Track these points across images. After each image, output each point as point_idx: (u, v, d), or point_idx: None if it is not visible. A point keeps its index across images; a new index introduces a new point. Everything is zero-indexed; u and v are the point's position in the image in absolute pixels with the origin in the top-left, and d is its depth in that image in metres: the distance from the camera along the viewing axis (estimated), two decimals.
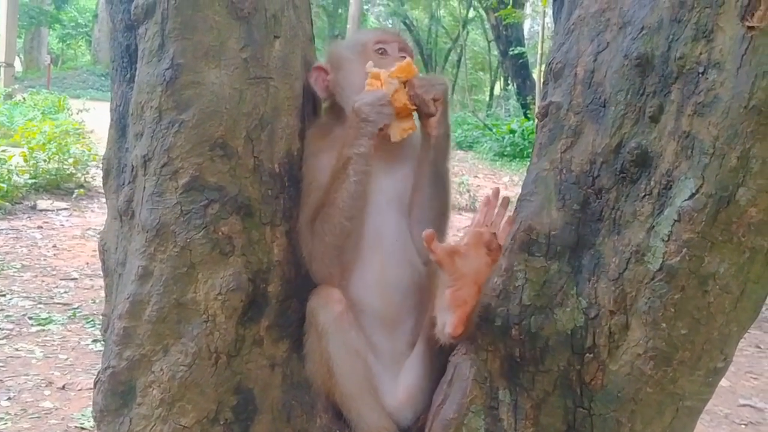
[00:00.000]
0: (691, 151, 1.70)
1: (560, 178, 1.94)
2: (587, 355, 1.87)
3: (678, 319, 1.75)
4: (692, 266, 1.71)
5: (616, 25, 1.92)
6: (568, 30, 2.04)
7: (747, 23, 1.62)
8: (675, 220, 1.71)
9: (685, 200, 1.69)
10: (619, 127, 1.85)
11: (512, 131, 20.83)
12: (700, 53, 1.70)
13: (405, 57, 2.42)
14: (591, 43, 1.96)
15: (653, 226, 1.76)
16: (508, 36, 25.02)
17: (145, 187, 2.10)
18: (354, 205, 2.21)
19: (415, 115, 2.33)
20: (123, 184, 2.25)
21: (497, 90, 36.75)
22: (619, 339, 1.83)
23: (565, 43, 2.04)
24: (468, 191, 12.21)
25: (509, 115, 26.13)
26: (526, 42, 26.96)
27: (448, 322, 1.95)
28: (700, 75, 1.70)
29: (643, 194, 1.79)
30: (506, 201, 2.14)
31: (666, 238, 1.73)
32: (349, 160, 2.19)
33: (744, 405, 5.26)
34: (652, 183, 1.77)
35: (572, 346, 1.89)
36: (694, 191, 1.68)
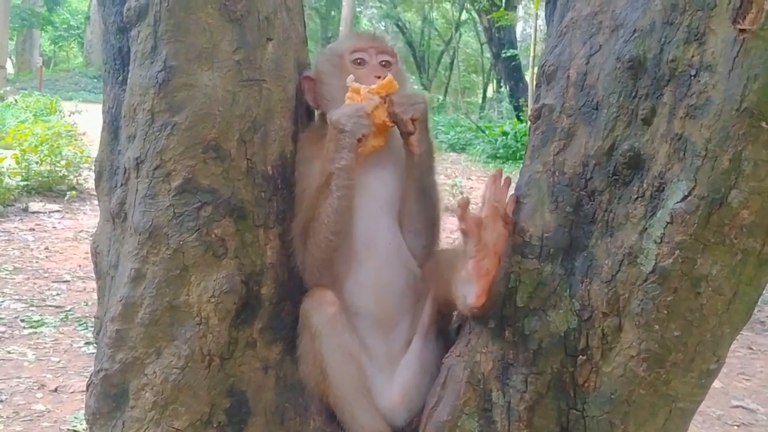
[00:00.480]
0: (684, 154, 1.70)
1: (553, 181, 1.95)
2: (580, 356, 1.88)
3: (671, 320, 1.75)
4: (685, 268, 1.71)
5: (608, 28, 1.93)
6: (561, 33, 2.05)
7: (739, 26, 1.63)
8: (667, 222, 1.71)
9: (678, 202, 1.70)
10: (612, 130, 1.85)
11: (505, 133, 20.83)
12: (692, 56, 1.71)
13: (385, 62, 2.42)
14: (583, 46, 1.96)
15: (646, 228, 1.76)
16: (500, 38, 25.03)
17: (137, 190, 2.10)
18: (339, 220, 2.19)
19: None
20: (115, 187, 2.25)
21: (490, 92, 36.77)
22: (612, 341, 1.83)
23: (557, 46, 2.04)
24: (461, 193, 12.21)
25: (502, 118, 26.15)
26: (518, 44, 27.00)
27: (471, 293, 1.96)
28: (692, 77, 1.70)
29: (636, 196, 1.79)
30: (508, 180, 2.13)
31: (658, 240, 1.73)
32: (331, 176, 2.17)
33: (736, 406, 5.27)
34: (645, 185, 1.78)
35: (565, 347, 1.89)
36: (686, 193, 1.69)
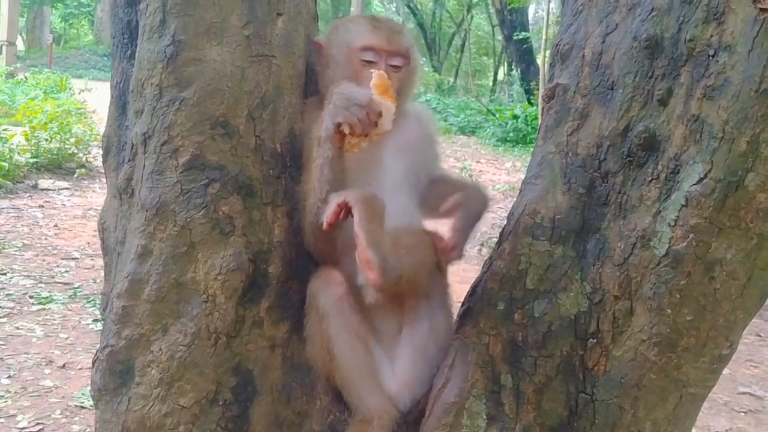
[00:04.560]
0: (700, 135, 1.68)
1: (566, 162, 1.93)
2: (591, 340, 1.87)
3: (683, 305, 1.74)
4: (699, 252, 1.70)
5: (625, 6, 1.90)
6: (576, 11, 2.02)
7: (759, 5, 1.60)
8: (682, 205, 1.70)
9: (693, 185, 1.68)
10: (627, 110, 1.83)
11: (515, 117, 20.73)
12: (711, 35, 1.68)
13: (395, 66, 2.30)
14: (599, 25, 1.94)
15: (660, 211, 1.74)
16: (512, 21, 24.86)
17: (145, 165, 2.08)
18: (324, 189, 2.11)
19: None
20: (123, 162, 2.23)
21: (501, 75, 36.60)
22: (624, 324, 1.82)
23: (572, 24, 2.01)
24: (470, 176, 12.20)
25: (512, 101, 26.03)
26: (530, 27, 26.74)
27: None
28: (711, 58, 1.68)
29: (650, 178, 1.77)
30: None
31: (673, 223, 1.71)
32: (318, 142, 2.11)
33: (743, 393, 5.26)
34: (660, 167, 1.76)
35: (576, 331, 1.88)
36: (702, 176, 1.67)
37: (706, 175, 1.66)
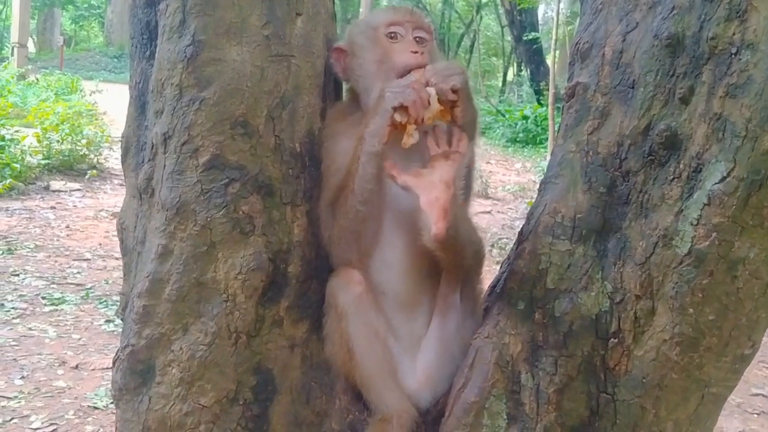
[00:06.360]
0: (723, 134, 1.67)
1: (586, 161, 1.92)
2: (612, 340, 1.86)
3: (706, 304, 1.73)
4: (721, 251, 1.69)
5: (645, 5, 1.89)
6: (596, 9, 2.01)
7: None
8: (705, 204, 1.69)
9: (716, 183, 1.67)
10: (648, 109, 1.82)
11: (525, 117, 20.70)
12: (733, 33, 1.68)
13: (420, 38, 2.34)
14: (619, 23, 1.93)
15: (682, 210, 1.74)
16: (522, 21, 24.81)
17: (165, 165, 2.08)
18: (366, 188, 2.14)
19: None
20: (142, 162, 2.23)
21: (510, 76, 36.54)
22: (645, 324, 1.81)
23: (592, 23, 2.01)
24: (480, 177, 12.15)
25: (522, 101, 25.95)
26: (540, 27, 26.68)
27: (430, 224, 2.00)
28: (733, 56, 1.67)
29: (672, 177, 1.76)
30: None
31: (695, 222, 1.71)
32: (362, 140, 2.13)
33: (756, 394, 5.24)
34: (682, 166, 1.75)
35: (596, 330, 1.87)
36: (725, 174, 1.66)
37: (728, 174, 1.65)
